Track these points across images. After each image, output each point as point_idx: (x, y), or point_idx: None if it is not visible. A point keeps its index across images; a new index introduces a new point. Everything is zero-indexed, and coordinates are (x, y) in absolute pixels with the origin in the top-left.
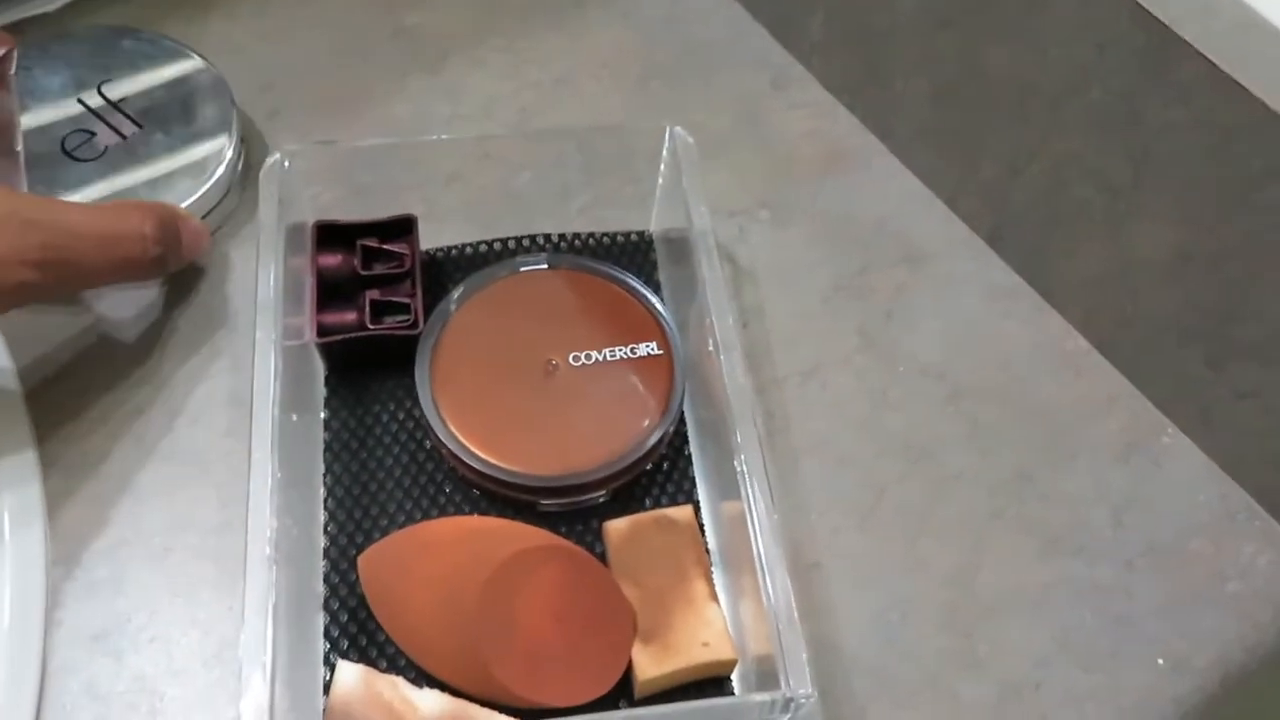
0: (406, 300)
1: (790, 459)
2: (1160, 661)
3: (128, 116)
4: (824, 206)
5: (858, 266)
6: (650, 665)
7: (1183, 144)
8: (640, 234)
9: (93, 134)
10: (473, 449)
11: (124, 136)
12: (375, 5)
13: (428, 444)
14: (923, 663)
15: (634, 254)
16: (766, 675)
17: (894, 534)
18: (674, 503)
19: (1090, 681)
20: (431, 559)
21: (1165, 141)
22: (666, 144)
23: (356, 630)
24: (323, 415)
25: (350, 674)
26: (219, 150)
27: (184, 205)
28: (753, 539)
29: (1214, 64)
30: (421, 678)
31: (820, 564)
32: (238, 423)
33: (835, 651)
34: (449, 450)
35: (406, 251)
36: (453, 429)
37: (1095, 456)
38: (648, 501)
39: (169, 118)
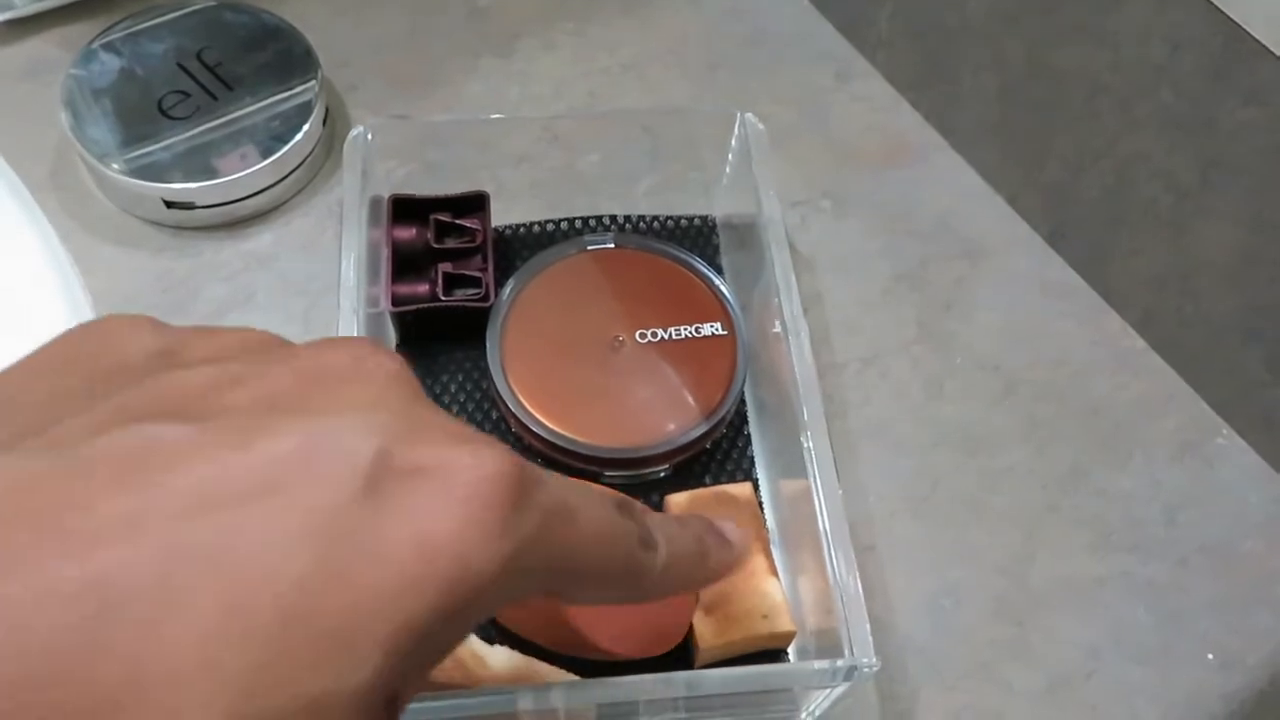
0: (478, 274)
1: (847, 443)
2: (1210, 658)
3: (221, 80)
4: (885, 199)
5: (917, 259)
6: (711, 635)
7: (1255, 145)
8: (704, 218)
9: (187, 94)
10: (540, 419)
11: (215, 98)
12: None
13: (494, 414)
14: (975, 648)
15: (696, 237)
16: (825, 649)
17: (948, 522)
18: (733, 480)
19: (1141, 675)
20: None
21: (1237, 143)
22: (736, 130)
23: None
24: None
25: None
26: (304, 118)
27: (264, 166)
28: (818, 512)
29: None
30: (492, 625)
31: (875, 547)
32: None
33: (889, 633)
34: (517, 420)
35: (478, 227)
36: (521, 399)
37: (1150, 455)
38: (707, 478)
39: (259, 84)
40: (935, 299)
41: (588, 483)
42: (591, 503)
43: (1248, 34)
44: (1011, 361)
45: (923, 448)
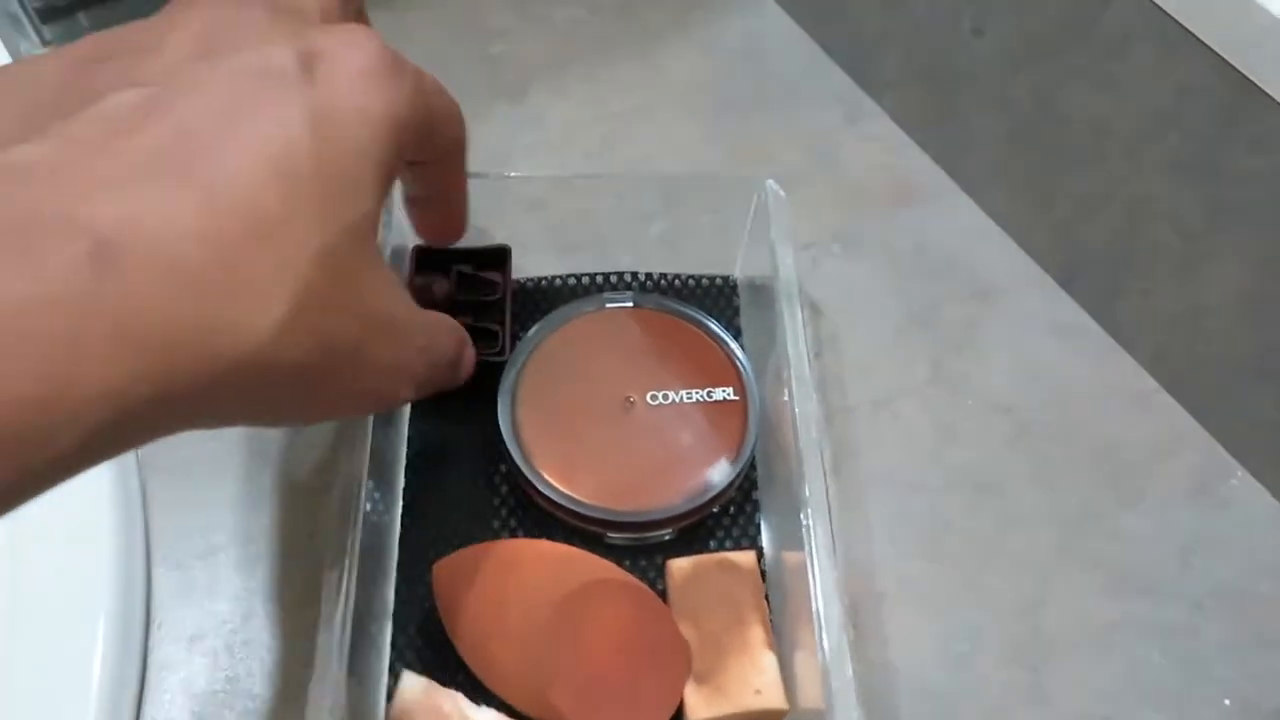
0: (495, 328)
1: (859, 487)
2: (1227, 703)
3: None
4: (895, 241)
5: (928, 301)
6: (701, 707)
7: (1261, 191)
8: (725, 278)
9: None
10: (547, 478)
11: None
12: (463, 34)
13: (504, 468)
14: (989, 694)
15: (717, 297)
16: None
17: (961, 565)
18: (738, 546)
19: None
20: (506, 575)
21: (1243, 188)
22: (758, 197)
23: (423, 642)
24: (406, 432)
25: (414, 684)
26: None
27: None
28: (811, 594)
29: None
30: (478, 690)
31: (887, 593)
32: (329, 434)
33: (902, 679)
34: (524, 477)
35: (499, 280)
36: (529, 457)
37: (1163, 496)
38: (712, 543)
39: None
40: (947, 340)
41: None
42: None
43: (1254, 84)
44: (1023, 403)
45: (935, 490)
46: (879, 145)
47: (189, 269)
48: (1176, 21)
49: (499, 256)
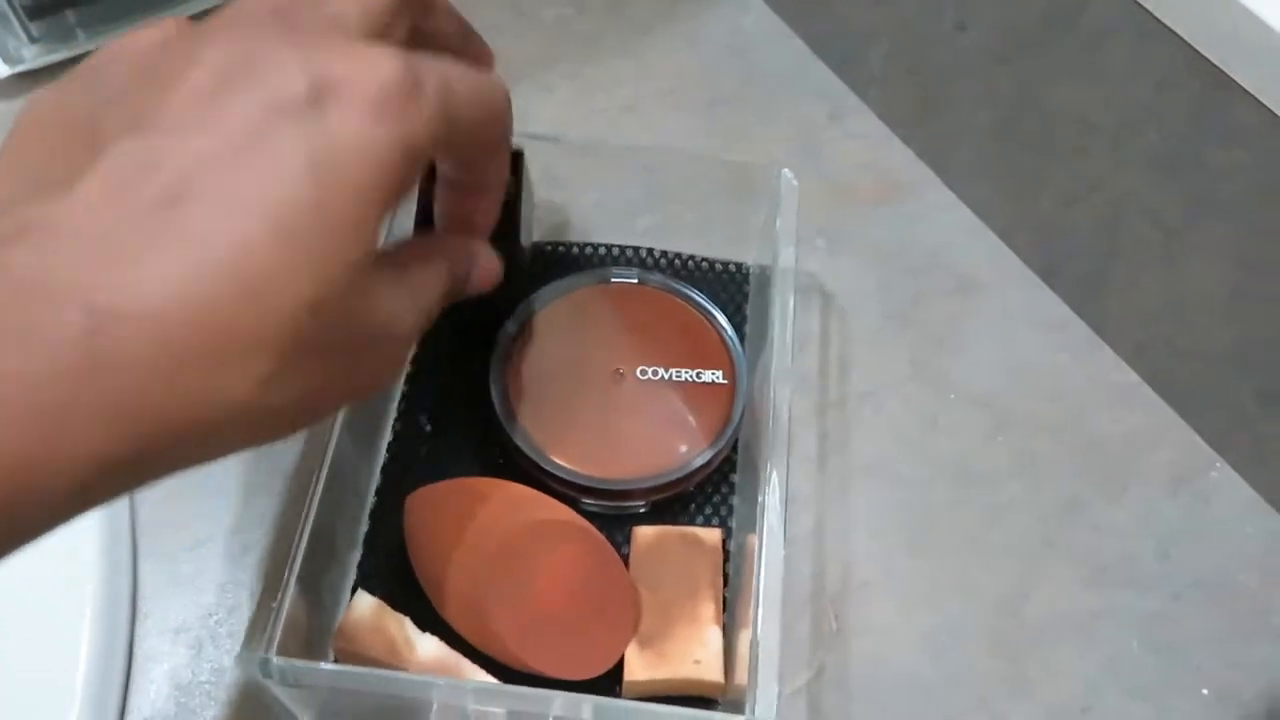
0: (506, 230)
1: (843, 480)
2: (1205, 692)
3: None
4: (879, 236)
5: (911, 295)
6: (639, 669)
7: (1240, 184)
8: (738, 265)
9: None
10: (530, 439)
11: None
12: None
13: (489, 424)
14: (971, 684)
15: (728, 283)
16: (738, 704)
17: (944, 558)
18: (708, 525)
19: (1137, 709)
20: (471, 510)
21: (1222, 182)
22: (771, 185)
23: (389, 570)
24: (407, 369)
25: (365, 604)
26: None
27: None
28: (755, 569)
29: (1268, 109)
30: (432, 619)
31: (871, 583)
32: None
33: (885, 669)
34: (506, 436)
35: (510, 185)
36: (514, 416)
37: (1144, 489)
38: (685, 520)
39: None
40: (929, 335)
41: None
42: (461, 71)
43: (1228, 76)
44: (1005, 397)
45: (918, 484)
46: (863, 140)
47: (176, 337)
48: (1153, 16)
49: (511, 161)
